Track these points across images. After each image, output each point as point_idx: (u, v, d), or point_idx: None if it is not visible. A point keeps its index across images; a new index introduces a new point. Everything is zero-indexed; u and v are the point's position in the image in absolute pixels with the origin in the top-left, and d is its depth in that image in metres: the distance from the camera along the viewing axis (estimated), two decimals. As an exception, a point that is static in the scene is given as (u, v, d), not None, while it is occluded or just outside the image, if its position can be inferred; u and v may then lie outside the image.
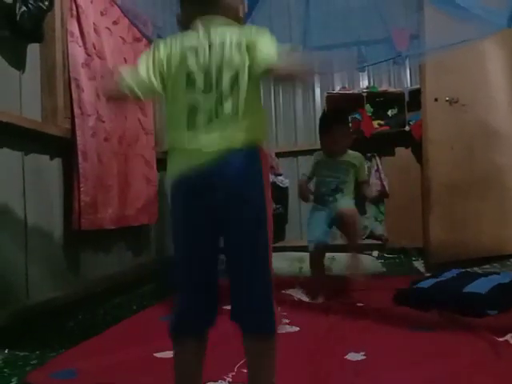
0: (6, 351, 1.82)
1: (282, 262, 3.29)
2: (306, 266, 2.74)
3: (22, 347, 1.85)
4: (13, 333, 1.91)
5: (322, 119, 2.71)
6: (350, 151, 2.60)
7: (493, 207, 3.30)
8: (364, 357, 1.58)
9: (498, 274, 2.53)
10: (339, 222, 2.46)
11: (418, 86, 3.63)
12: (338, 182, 2.51)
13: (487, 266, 3.11)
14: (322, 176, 2.56)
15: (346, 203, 2.47)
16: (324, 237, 2.43)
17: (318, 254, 2.47)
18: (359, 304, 2.28)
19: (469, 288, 2.13)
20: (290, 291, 2.60)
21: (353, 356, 1.58)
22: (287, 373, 1.43)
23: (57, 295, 2.23)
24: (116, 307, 2.59)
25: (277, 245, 4.14)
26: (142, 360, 1.61)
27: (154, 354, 1.65)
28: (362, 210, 4.21)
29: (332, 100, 4.05)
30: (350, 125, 3.88)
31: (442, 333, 1.77)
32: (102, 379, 1.48)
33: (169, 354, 1.62)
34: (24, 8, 1.97)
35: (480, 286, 2.13)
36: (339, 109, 2.82)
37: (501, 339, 1.67)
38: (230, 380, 1.40)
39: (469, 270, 2.81)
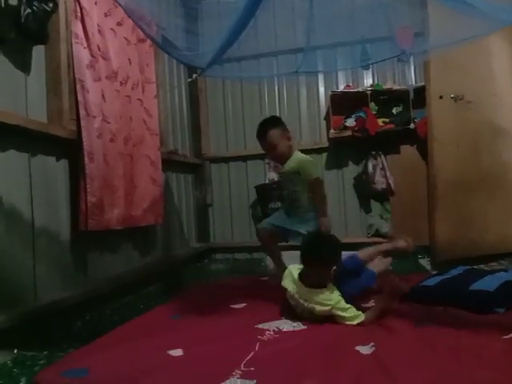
0: (15, 351, 1.84)
1: (287, 261, 3.28)
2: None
3: (30, 347, 1.87)
4: (21, 333, 1.92)
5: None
6: (294, 155, 2.57)
7: (499, 204, 3.28)
8: (373, 348, 1.59)
9: (506, 271, 2.52)
10: None
11: (422, 84, 3.62)
12: (289, 194, 2.56)
13: (494, 264, 3.10)
14: (284, 189, 2.67)
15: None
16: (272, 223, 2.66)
17: (261, 234, 2.73)
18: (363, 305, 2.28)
19: (476, 286, 2.12)
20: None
21: (361, 349, 1.60)
22: (301, 366, 1.46)
23: (64, 295, 2.25)
24: (123, 307, 2.60)
25: (282, 244, 4.13)
26: (155, 358, 1.61)
27: (168, 352, 1.65)
28: (366, 207, 4.21)
29: (336, 98, 4.04)
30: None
31: (447, 329, 1.76)
32: (115, 377, 1.49)
33: (179, 351, 1.63)
34: (29, 10, 1.99)
35: (487, 284, 2.12)
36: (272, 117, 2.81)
37: (507, 336, 1.66)
38: (239, 377, 1.41)
39: (475, 267, 2.80)
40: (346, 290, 1.99)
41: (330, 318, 1.93)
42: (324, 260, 1.95)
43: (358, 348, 1.61)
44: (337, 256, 2.01)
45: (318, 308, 1.92)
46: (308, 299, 1.95)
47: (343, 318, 1.89)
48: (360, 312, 1.91)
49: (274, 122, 2.64)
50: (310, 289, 1.96)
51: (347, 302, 1.92)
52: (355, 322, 1.88)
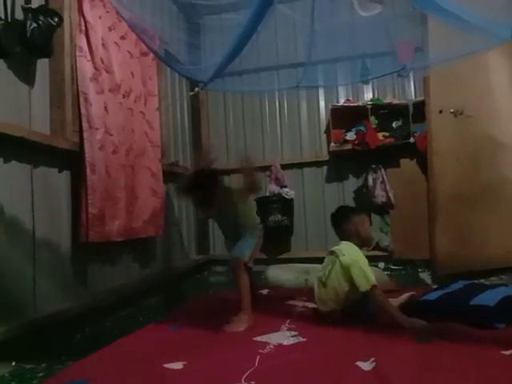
0: (13, 363, 1.82)
1: (288, 274, 3.29)
2: (312, 278, 2.74)
3: (29, 359, 1.85)
4: (20, 345, 1.91)
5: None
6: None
7: (499, 218, 3.28)
8: (374, 363, 1.58)
9: (506, 285, 2.51)
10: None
11: (422, 98, 3.65)
12: (233, 218, 2.48)
13: (494, 278, 3.09)
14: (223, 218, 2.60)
15: (237, 249, 2.43)
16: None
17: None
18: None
19: (476, 300, 2.11)
20: (295, 302, 2.62)
21: (362, 364, 1.59)
22: (301, 381, 1.47)
23: (64, 307, 2.24)
24: (123, 319, 2.59)
25: (283, 256, 4.14)
26: (155, 371, 1.61)
27: (167, 365, 1.65)
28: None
29: (336, 112, 4.07)
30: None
31: (448, 344, 1.76)
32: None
33: (179, 365, 1.62)
34: (34, 24, 2.02)
35: (487, 299, 2.11)
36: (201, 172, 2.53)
37: (508, 352, 1.66)
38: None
39: (476, 281, 2.79)
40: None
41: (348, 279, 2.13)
42: (338, 219, 2.39)
43: (358, 363, 1.60)
44: (349, 214, 2.38)
45: (344, 259, 2.16)
46: (343, 249, 2.24)
47: (358, 276, 2.09)
48: (374, 280, 2.07)
49: (214, 176, 2.49)
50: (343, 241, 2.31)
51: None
52: (365, 286, 2.06)
